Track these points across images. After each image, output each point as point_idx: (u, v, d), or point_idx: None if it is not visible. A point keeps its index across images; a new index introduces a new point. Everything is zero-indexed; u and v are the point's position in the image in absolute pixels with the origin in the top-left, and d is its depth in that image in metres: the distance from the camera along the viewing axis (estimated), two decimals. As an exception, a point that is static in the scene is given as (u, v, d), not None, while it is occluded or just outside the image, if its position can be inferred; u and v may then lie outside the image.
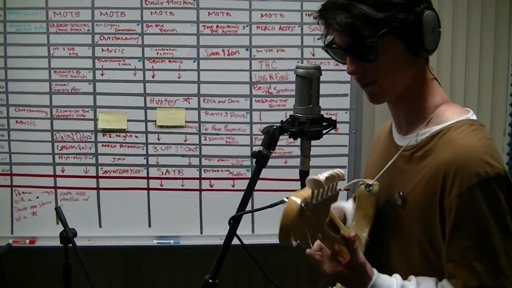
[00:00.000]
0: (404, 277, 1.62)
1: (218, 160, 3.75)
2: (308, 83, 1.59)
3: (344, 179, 1.29)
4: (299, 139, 1.67)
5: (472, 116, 1.68)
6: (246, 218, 3.58)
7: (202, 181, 3.77)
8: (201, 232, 3.78)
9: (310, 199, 1.14)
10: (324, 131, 1.64)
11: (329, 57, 1.74)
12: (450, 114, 1.67)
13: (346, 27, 1.57)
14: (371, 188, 1.76)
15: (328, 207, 1.31)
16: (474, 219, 1.52)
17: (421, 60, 1.68)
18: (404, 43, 1.59)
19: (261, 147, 1.60)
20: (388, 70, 1.62)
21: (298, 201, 1.13)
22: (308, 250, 1.70)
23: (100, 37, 3.66)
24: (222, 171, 3.76)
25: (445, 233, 1.57)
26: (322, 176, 1.16)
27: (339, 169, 1.27)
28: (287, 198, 1.14)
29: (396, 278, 1.60)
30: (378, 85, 1.65)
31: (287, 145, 3.54)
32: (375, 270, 1.59)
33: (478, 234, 1.52)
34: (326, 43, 1.73)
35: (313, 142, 1.66)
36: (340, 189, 1.34)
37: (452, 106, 1.71)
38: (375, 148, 2.03)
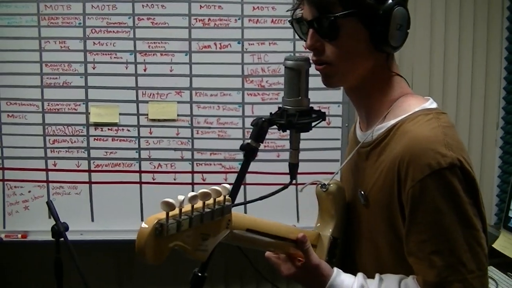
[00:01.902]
0: (372, 276, 1.61)
1: (211, 154, 3.75)
2: (297, 75, 1.58)
3: (227, 194, 1.33)
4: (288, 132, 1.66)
5: (430, 105, 1.64)
6: (238, 211, 3.59)
7: (195, 174, 3.77)
8: (193, 226, 3.76)
9: (166, 219, 1.20)
10: (313, 123, 1.62)
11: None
12: (407, 106, 1.63)
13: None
14: (326, 188, 1.76)
15: (220, 220, 1.35)
16: (428, 212, 1.48)
17: (383, 54, 1.64)
18: (369, 33, 1.56)
19: (250, 140, 1.59)
20: (345, 53, 1.59)
21: (153, 222, 1.20)
22: (266, 253, 1.73)
23: (91, 30, 3.65)
24: (214, 164, 3.75)
25: (403, 228, 1.55)
26: (182, 196, 1.21)
27: (224, 185, 1.32)
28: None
29: (358, 277, 1.59)
30: (332, 68, 1.61)
31: (280, 138, 3.54)
32: (335, 270, 1.60)
33: (434, 227, 1.48)
34: (294, 17, 1.71)
35: (305, 136, 1.65)
36: (229, 204, 1.38)
37: (410, 98, 1.67)
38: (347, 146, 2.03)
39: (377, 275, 1.60)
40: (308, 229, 1.79)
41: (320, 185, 1.78)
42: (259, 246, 1.56)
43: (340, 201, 1.78)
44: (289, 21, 1.73)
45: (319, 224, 1.79)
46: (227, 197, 1.35)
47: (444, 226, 1.48)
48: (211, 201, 1.28)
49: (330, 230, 1.76)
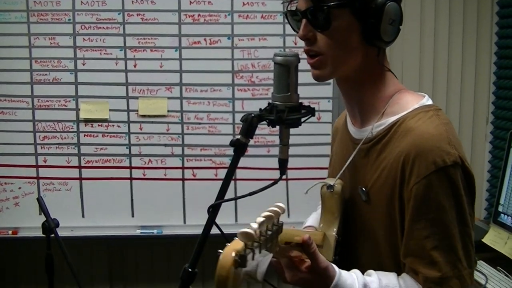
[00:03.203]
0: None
1: (201, 150, 3.75)
2: (286, 70, 1.58)
3: (283, 212, 1.31)
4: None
5: (427, 101, 1.66)
6: (228, 207, 3.61)
7: (185, 170, 3.77)
8: (184, 222, 3.78)
9: (244, 251, 1.17)
10: (302, 119, 1.63)
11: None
12: (405, 103, 1.65)
13: None
14: (333, 188, 1.76)
15: (274, 241, 1.33)
16: (431, 208, 1.50)
17: (374, 49, 1.64)
18: (361, 25, 1.57)
19: (240, 136, 1.59)
20: (337, 44, 1.59)
21: (231, 254, 1.16)
22: None
23: (81, 27, 3.65)
24: (204, 160, 3.76)
25: (403, 225, 1.56)
26: (255, 224, 1.19)
27: (279, 204, 1.30)
28: (221, 251, 1.18)
29: (357, 275, 1.58)
30: (323, 59, 1.62)
31: (270, 134, 3.54)
32: (337, 270, 1.56)
33: (436, 223, 1.51)
34: (288, 8, 1.71)
35: (296, 131, 1.65)
36: (282, 222, 1.36)
37: (406, 94, 1.69)
38: (334, 141, 2.02)
39: (373, 272, 1.60)
40: (310, 229, 1.81)
41: (326, 186, 1.77)
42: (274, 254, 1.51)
43: (343, 200, 1.78)
44: (283, 12, 1.73)
45: (322, 224, 1.78)
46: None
47: (446, 223, 1.51)
48: (270, 224, 1.28)
49: (335, 229, 1.75)
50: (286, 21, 1.75)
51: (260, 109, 1.62)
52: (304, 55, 1.65)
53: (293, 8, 1.69)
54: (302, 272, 1.55)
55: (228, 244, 1.19)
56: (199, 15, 3.67)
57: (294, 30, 1.72)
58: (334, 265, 1.57)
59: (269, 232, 1.27)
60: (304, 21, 1.61)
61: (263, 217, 1.22)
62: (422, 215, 1.52)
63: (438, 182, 1.49)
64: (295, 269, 1.56)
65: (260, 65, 3.70)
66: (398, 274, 1.61)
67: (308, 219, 2.05)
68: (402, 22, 1.63)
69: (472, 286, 1.57)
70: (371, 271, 1.61)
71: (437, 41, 3.93)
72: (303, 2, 1.61)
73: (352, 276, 1.56)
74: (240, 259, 1.16)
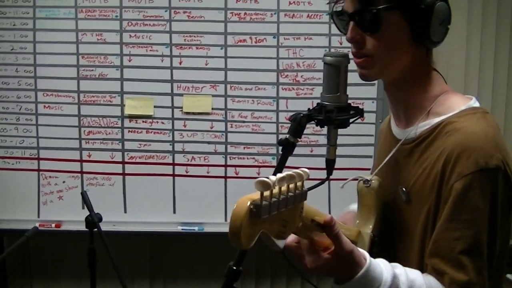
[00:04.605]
0: None
1: (244, 148, 3.76)
2: (336, 71, 1.58)
3: (307, 178, 1.23)
4: (325, 128, 1.66)
5: (474, 103, 1.63)
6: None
7: (228, 168, 3.78)
8: (226, 220, 3.77)
9: (260, 200, 1.12)
10: (351, 120, 1.62)
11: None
12: (451, 104, 1.62)
13: None
14: (369, 183, 1.73)
15: (295, 207, 1.27)
16: (467, 209, 1.47)
17: (423, 49, 1.62)
18: (410, 26, 1.55)
19: (288, 135, 1.59)
20: (386, 47, 1.57)
21: (247, 203, 1.12)
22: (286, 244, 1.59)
23: (128, 23, 3.68)
24: (247, 158, 3.76)
25: (435, 224, 1.53)
26: (274, 177, 1.14)
27: (304, 169, 1.22)
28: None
29: (385, 264, 1.49)
30: (372, 60, 1.60)
31: (313, 133, 3.53)
32: (368, 257, 1.45)
33: (470, 225, 1.47)
34: (334, 9, 1.70)
35: (339, 131, 1.65)
36: (307, 189, 1.29)
37: (452, 95, 1.65)
38: (379, 143, 2.01)
39: (399, 266, 1.54)
40: (350, 214, 1.79)
41: (363, 181, 1.75)
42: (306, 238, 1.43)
43: (380, 198, 1.75)
44: (329, 13, 1.72)
45: (358, 221, 1.76)
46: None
47: (478, 226, 1.47)
48: (292, 185, 1.22)
49: (371, 227, 1.72)
50: (332, 21, 1.74)
51: (309, 108, 1.62)
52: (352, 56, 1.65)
53: (339, 9, 1.67)
54: (324, 257, 1.40)
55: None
56: (245, 13, 3.67)
57: (341, 31, 1.71)
58: (362, 250, 1.46)
59: (290, 194, 1.21)
60: (351, 23, 1.59)
61: (285, 174, 1.17)
62: (456, 215, 1.48)
63: (478, 184, 1.46)
64: (316, 253, 1.41)
65: (305, 64, 3.69)
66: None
67: (351, 205, 1.98)
68: (450, 21, 1.60)
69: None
70: (396, 264, 1.55)
71: (483, 42, 3.88)
72: (350, 3, 1.59)
73: (380, 266, 1.48)
74: (256, 209, 1.12)
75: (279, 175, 1.15)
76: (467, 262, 1.47)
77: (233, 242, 1.13)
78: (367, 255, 1.46)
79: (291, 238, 1.49)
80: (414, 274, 1.53)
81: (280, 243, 1.23)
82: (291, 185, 1.21)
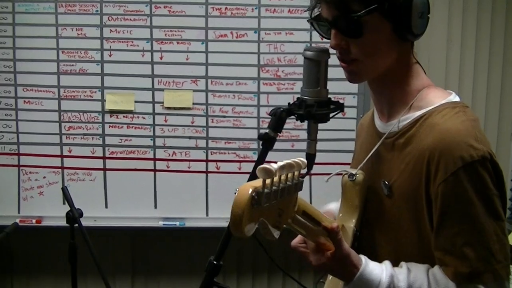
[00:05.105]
0: (394, 265, 1.60)
1: (225, 143, 3.76)
2: (316, 65, 1.58)
3: (305, 168, 1.25)
4: (305, 122, 1.66)
5: (454, 98, 1.65)
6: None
7: (209, 163, 3.78)
8: (207, 215, 3.78)
9: (262, 188, 1.13)
10: (331, 114, 1.62)
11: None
12: (432, 98, 1.63)
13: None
14: (354, 177, 1.73)
15: (292, 196, 1.28)
16: (461, 204, 1.49)
17: (406, 44, 1.64)
18: (391, 24, 1.55)
19: (268, 129, 1.59)
20: (371, 49, 1.58)
21: (249, 190, 1.12)
22: (293, 243, 1.72)
23: (108, 18, 3.66)
24: (228, 153, 3.76)
25: (432, 221, 1.55)
26: (275, 165, 1.14)
27: (300, 158, 1.23)
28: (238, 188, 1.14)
29: (386, 266, 1.57)
30: (359, 64, 1.61)
31: (294, 128, 3.54)
32: (364, 259, 1.57)
33: (466, 219, 1.50)
34: (313, 16, 1.69)
35: (320, 126, 1.65)
36: (303, 178, 1.30)
37: (434, 90, 1.67)
38: (359, 138, 2.02)
39: (404, 264, 1.60)
40: (328, 214, 1.79)
41: (348, 175, 1.75)
42: (303, 231, 1.47)
43: (364, 192, 1.76)
44: (308, 21, 1.71)
45: (341, 215, 1.77)
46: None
47: (476, 218, 1.49)
48: (290, 175, 1.22)
49: (354, 221, 1.74)
50: (313, 28, 1.74)
51: (289, 103, 1.63)
52: (333, 51, 1.64)
53: (317, 14, 1.67)
54: (326, 258, 1.55)
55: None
56: (226, 8, 3.67)
57: (323, 37, 1.70)
58: (361, 255, 1.58)
59: (289, 183, 1.22)
60: (333, 30, 1.60)
61: (285, 163, 1.17)
62: (451, 212, 1.51)
63: (467, 178, 1.48)
64: (319, 253, 1.56)
65: (286, 59, 3.69)
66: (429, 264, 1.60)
67: (328, 204, 2.04)
68: (429, 10, 1.61)
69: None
70: (402, 263, 1.61)
71: (464, 37, 3.90)
72: (327, 10, 1.59)
73: (380, 267, 1.56)
74: (257, 196, 1.12)
75: (280, 163, 1.16)
76: (470, 254, 1.49)
77: (234, 230, 1.14)
78: (364, 259, 1.57)
79: (297, 239, 1.67)
80: (417, 270, 1.57)
81: (276, 233, 1.24)
82: (289, 175, 1.22)
